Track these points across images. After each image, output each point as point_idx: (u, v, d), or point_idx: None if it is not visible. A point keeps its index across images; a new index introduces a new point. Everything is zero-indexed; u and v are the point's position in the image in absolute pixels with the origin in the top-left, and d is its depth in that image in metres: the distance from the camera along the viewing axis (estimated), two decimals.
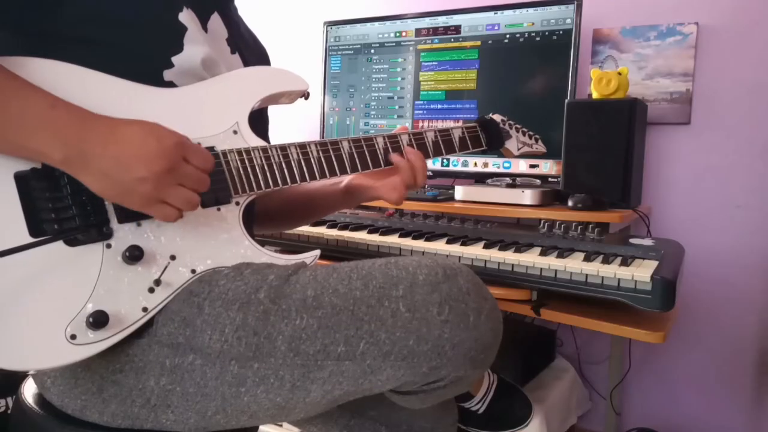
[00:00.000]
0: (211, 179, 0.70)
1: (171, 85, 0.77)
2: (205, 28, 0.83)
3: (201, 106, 0.78)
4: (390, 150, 0.94)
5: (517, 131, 1.15)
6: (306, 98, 0.91)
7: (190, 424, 0.70)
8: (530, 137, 1.19)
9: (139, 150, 0.63)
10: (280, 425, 1.41)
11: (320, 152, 0.87)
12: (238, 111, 0.81)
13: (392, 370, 0.68)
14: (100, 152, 0.62)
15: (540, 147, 1.20)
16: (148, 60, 0.75)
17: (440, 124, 1.03)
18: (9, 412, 1.44)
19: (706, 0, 1.55)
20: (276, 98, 0.88)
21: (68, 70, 0.69)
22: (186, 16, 0.79)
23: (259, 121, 0.94)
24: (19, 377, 0.78)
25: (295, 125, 2.07)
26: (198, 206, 0.69)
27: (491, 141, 1.09)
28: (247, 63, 0.93)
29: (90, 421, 0.71)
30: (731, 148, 1.56)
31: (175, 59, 0.77)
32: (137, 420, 0.70)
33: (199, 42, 0.79)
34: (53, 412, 0.74)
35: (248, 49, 0.96)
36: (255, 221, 0.95)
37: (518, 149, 1.15)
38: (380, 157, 0.93)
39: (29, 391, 0.80)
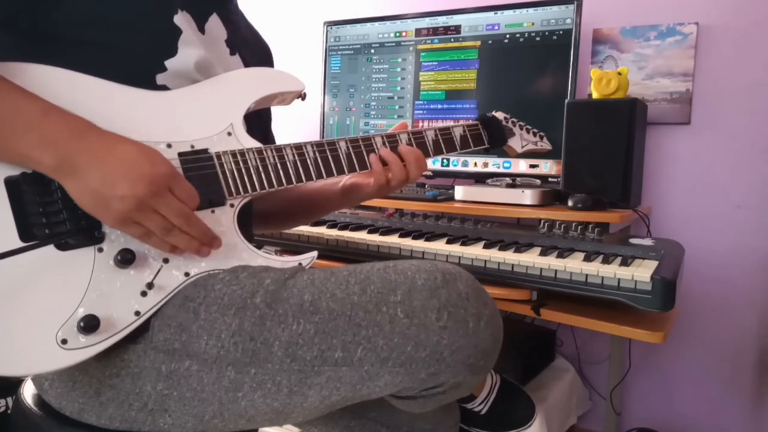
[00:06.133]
0: (204, 181, 0.70)
1: (164, 88, 0.76)
2: (202, 29, 0.83)
3: (194, 109, 0.77)
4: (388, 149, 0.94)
5: (521, 128, 1.14)
6: (303, 99, 0.90)
7: (187, 428, 0.70)
8: (534, 134, 1.17)
9: (128, 170, 0.63)
10: (280, 426, 1.41)
11: (317, 153, 0.86)
12: (233, 113, 0.80)
13: (390, 376, 0.68)
14: (88, 163, 0.62)
15: (545, 144, 1.18)
16: (141, 63, 0.75)
17: (440, 124, 1.03)
18: (9, 412, 1.44)
19: (706, 0, 1.55)
20: (271, 99, 0.87)
21: (61, 75, 0.68)
22: (181, 19, 0.78)
23: (259, 121, 0.93)
24: (15, 380, 0.77)
25: (294, 125, 2.06)
26: (176, 234, 0.68)
27: (493, 139, 1.08)
28: (247, 64, 0.92)
29: (88, 423, 0.71)
30: (731, 148, 1.56)
31: (168, 63, 0.76)
32: (135, 423, 0.70)
33: (194, 45, 0.79)
34: (52, 414, 0.73)
35: (249, 49, 0.95)
36: (252, 223, 0.95)
37: (522, 147, 1.13)
38: None
39: (29, 392, 0.79)
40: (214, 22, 0.86)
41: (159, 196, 0.64)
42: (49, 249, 0.65)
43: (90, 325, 0.63)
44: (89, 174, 0.62)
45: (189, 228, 0.68)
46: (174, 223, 0.67)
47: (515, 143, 1.12)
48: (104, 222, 0.66)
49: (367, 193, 0.97)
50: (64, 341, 0.63)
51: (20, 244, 0.63)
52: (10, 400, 1.45)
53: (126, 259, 0.67)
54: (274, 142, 1.08)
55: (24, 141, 0.61)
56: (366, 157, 0.91)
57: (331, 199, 1.03)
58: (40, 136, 0.61)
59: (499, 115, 1.12)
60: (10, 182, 0.63)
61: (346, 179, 1.00)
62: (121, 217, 0.64)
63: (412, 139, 0.97)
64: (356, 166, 0.90)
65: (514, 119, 1.13)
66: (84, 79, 0.70)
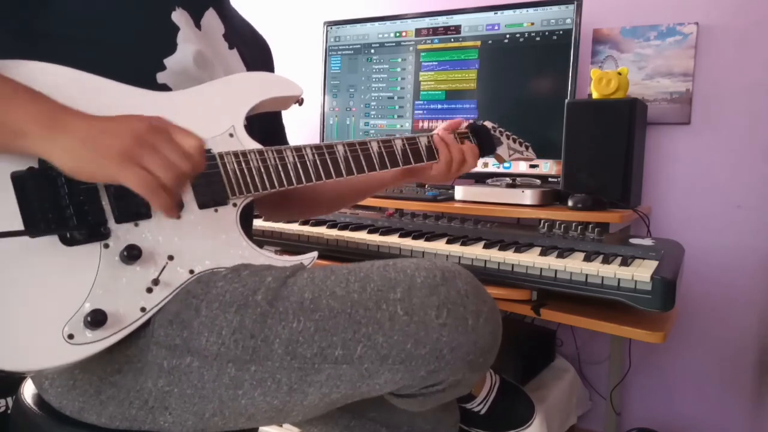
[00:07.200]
0: (207, 180, 0.70)
1: (165, 87, 0.77)
2: (198, 25, 0.83)
3: (197, 110, 0.78)
4: (384, 155, 0.95)
5: (508, 138, 1.16)
6: (300, 104, 0.91)
7: (187, 426, 0.70)
8: (520, 144, 1.19)
9: (118, 122, 0.63)
10: (280, 425, 1.41)
11: (315, 155, 0.87)
12: (234, 115, 0.81)
13: (390, 373, 0.68)
14: (75, 121, 0.62)
15: (530, 155, 1.21)
16: (140, 61, 0.75)
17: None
18: (9, 412, 1.44)
19: (706, 0, 1.55)
20: (271, 103, 0.88)
21: (62, 73, 0.68)
22: (178, 16, 0.79)
23: (260, 124, 0.93)
24: (18, 377, 0.77)
25: (294, 126, 2.06)
26: (183, 181, 0.67)
27: (483, 147, 1.10)
28: (245, 58, 0.93)
29: (88, 422, 0.71)
30: (731, 148, 1.56)
31: (167, 61, 0.76)
32: (135, 422, 0.70)
33: (192, 41, 0.79)
34: (52, 413, 0.73)
35: (246, 44, 0.95)
36: (252, 222, 0.95)
37: (509, 156, 1.16)
38: (374, 160, 0.94)
39: (29, 391, 0.80)
40: (211, 17, 0.87)
41: (157, 132, 0.64)
42: (56, 244, 0.65)
43: (97, 320, 0.64)
44: (75, 129, 0.61)
45: (192, 166, 0.67)
46: (172, 160, 0.64)
47: (503, 152, 1.15)
48: (105, 173, 0.63)
49: (432, 175, 1.03)
50: (71, 336, 0.63)
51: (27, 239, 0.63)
52: (10, 400, 1.45)
53: (132, 255, 0.67)
54: (287, 142, 1.09)
55: (14, 108, 0.60)
56: (362, 161, 0.92)
57: (387, 179, 1.08)
58: (29, 105, 0.61)
59: (488, 124, 1.14)
60: (16, 178, 0.64)
61: None
62: (122, 155, 0.61)
63: (406, 145, 0.98)
64: (354, 169, 0.91)
65: (501, 129, 1.16)
66: (89, 78, 0.70)
